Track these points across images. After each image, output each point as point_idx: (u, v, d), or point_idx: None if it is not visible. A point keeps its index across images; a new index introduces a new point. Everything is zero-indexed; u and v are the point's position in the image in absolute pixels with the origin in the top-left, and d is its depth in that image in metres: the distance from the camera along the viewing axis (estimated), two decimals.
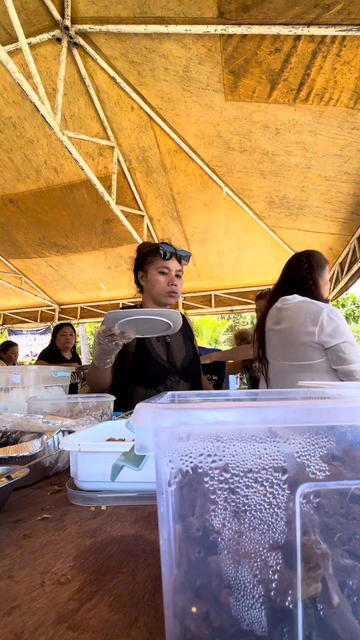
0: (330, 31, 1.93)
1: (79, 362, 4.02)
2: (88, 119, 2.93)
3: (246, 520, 0.23)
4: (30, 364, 7.55)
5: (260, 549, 0.22)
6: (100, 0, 2.07)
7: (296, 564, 0.22)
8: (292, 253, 4.20)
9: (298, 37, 2.02)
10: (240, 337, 3.57)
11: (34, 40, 2.25)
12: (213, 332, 14.87)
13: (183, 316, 1.55)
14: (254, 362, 2.73)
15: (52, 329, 3.93)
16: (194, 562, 0.23)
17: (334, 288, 4.58)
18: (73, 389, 2.71)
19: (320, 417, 0.23)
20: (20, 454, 0.65)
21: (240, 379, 4.29)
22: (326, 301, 1.69)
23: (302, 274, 1.72)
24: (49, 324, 6.48)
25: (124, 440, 0.80)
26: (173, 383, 1.46)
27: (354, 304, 11.92)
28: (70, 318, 6.42)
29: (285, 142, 2.76)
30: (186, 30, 2.06)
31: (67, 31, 2.25)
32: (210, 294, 5.65)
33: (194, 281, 5.41)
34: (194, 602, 0.23)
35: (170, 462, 0.24)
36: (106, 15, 2.15)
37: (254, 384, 3.31)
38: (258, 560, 0.22)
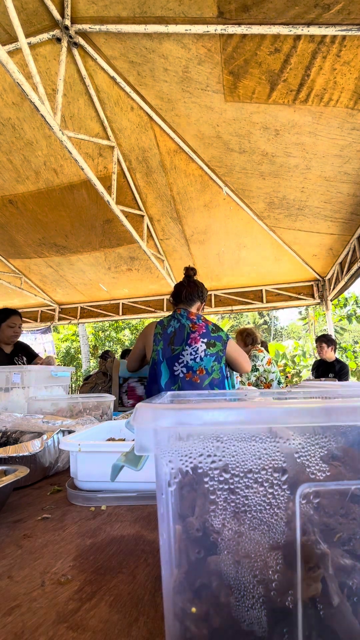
0: (330, 31, 1.93)
1: (30, 353, 2.87)
2: (88, 119, 2.93)
3: (246, 520, 0.23)
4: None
5: (260, 549, 0.22)
6: (100, 0, 2.07)
7: (296, 564, 0.22)
8: (292, 253, 4.27)
9: (298, 37, 2.02)
10: (245, 334, 3.58)
11: (33, 40, 2.24)
12: None
13: None
14: None
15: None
16: (193, 562, 0.23)
17: (333, 288, 4.58)
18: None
19: (320, 417, 0.23)
20: (20, 454, 0.65)
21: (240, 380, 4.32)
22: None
23: None
24: (49, 323, 6.48)
25: (124, 440, 0.80)
26: None
27: (356, 303, 11.88)
28: (70, 318, 6.43)
29: (284, 143, 2.76)
30: (186, 30, 2.06)
31: (67, 31, 2.25)
32: (210, 294, 5.66)
33: None
34: (193, 602, 0.23)
35: (170, 463, 0.24)
36: (106, 15, 2.15)
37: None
38: (258, 560, 0.22)
